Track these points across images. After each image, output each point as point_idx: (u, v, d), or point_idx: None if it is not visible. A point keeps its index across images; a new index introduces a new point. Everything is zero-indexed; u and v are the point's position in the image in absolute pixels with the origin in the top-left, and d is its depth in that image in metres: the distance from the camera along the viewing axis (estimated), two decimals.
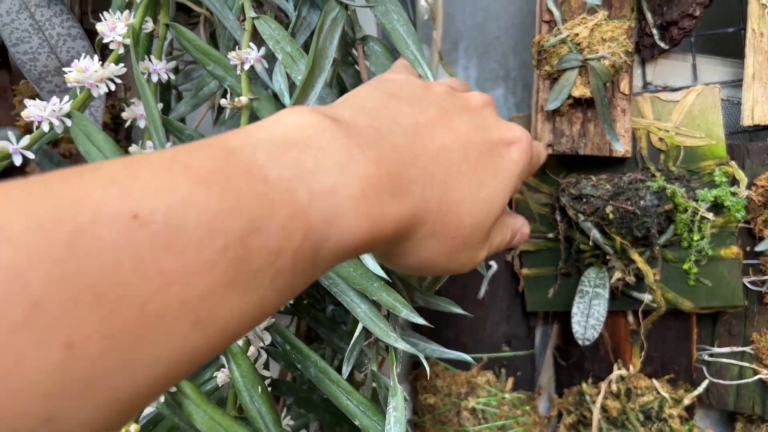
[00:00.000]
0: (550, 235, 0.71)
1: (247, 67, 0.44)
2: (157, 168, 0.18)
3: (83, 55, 0.43)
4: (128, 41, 0.44)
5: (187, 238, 0.17)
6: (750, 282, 0.66)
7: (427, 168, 0.26)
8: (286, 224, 0.20)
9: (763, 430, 0.66)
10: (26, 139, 0.40)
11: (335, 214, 0.22)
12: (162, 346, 0.17)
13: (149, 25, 0.47)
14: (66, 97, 0.41)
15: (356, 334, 0.41)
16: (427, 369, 0.42)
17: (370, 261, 0.39)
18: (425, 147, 0.27)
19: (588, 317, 0.66)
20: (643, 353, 0.70)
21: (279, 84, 0.44)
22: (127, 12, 0.45)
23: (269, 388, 0.39)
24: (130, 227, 0.17)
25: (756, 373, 0.66)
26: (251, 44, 0.45)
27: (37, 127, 0.41)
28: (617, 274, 0.66)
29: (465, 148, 0.29)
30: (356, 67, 0.52)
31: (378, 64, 0.46)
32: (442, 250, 0.28)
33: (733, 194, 0.64)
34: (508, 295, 0.75)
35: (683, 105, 0.67)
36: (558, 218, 0.70)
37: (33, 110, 0.40)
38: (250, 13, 0.46)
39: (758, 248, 0.65)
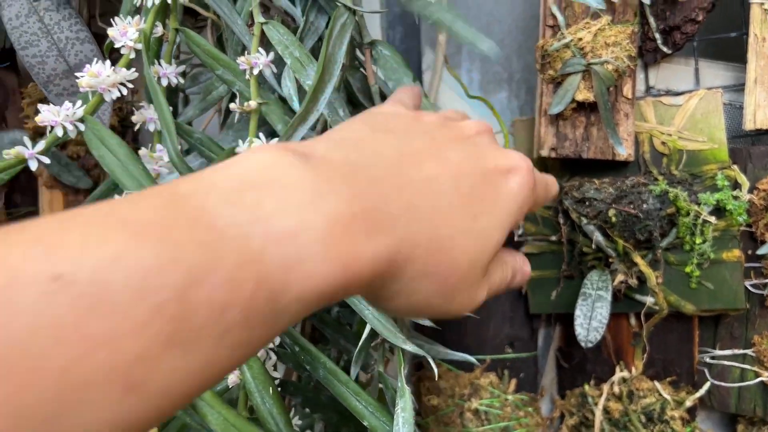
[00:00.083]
0: (553, 238, 0.72)
1: (256, 71, 0.44)
2: (90, 223, 0.17)
3: (95, 60, 0.44)
4: (139, 46, 0.45)
5: (115, 298, 0.16)
6: (752, 285, 0.66)
7: (412, 201, 0.24)
8: (233, 274, 0.18)
9: None
10: (41, 144, 0.41)
11: (296, 259, 0.20)
12: (90, 414, 0.16)
13: (159, 30, 0.48)
14: (79, 102, 0.42)
15: (364, 335, 0.41)
16: (435, 370, 0.43)
17: None
18: (410, 179, 0.25)
19: (591, 319, 0.66)
20: (645, 355, 0.70)
21: (288, 88, 0.44)
22: (137, 17, 0.46)
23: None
24: (50, 289, 0.15)
25: (757, 375, 0.66)
26: (260, 49, 0.45)
27: (50, 131, 0.42)
28: (620, 277, 0.67)
29: (456, 179, 0.26)
30: (362, 71, 0.53)
31: (387, 67, 0.47)
32: (436, 291, 0.25)
33: (735, 198, 0.65)
34: (511, 298, 0.76)
35: (686, 109, 0.67)
36: (561, 221, 0.70)
37: (47, 115, 0.41)
38: (259, 18, 0.46)
39: (760, 251, 0.66)
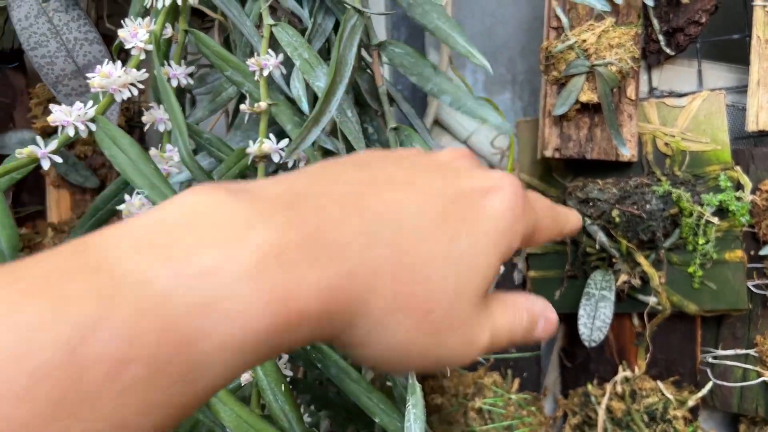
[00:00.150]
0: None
1: (266, 73, 0.45)
2: None
3: (106, 61, 0.44)
4: (150, 47, 0.45)
5: None
6: (754, 285, 0.67)
7: (369, 226, 0.21)
8: (130, 324, 0.16)
9: None
10: (54, 144, 0.41)
11: (214, 298, 0.17)
12: None
13: (168, 31, 0.48)
14: (90, 102, 0.42)
15: None
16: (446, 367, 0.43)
17: None
18: (367, 204, 0.21)
19: (594, 319, 0.67)
20: (648, 355, 0.71)
21: (297, 90, 0.45)
22: (147, 18, 0.46)
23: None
24: None
25: (760, 375, 0.67)
26: (269, 51, 0.46)
27: (62, 131, 0.42)
28: (623, 277, 0.68)
29: (424, 201, 0.23)
30: (368, 71, 0.53)
31: (405, 64, 0.47)
32: (417, 329, 0.22)
33: (738, 199, 0.65)
34: None
35: (689, 110, 0.68)
36: None
37: (59, 115, 0.41)
38: (268, 20, 0.47)
39: (762, 252, 0.66)
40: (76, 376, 0.15)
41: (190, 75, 0.51)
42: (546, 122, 0.67)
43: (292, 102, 0.47)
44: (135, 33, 0.45)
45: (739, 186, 0.66)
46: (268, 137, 0.44)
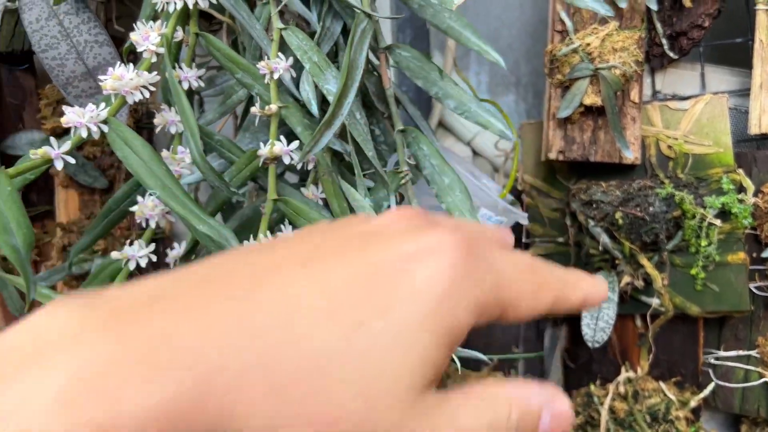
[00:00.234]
0: (561, 240, 0.73)
1: (276, 76, 0.45)
2: None
3: (117, 64, 0.45)
4: (162, 50, 0.46)
5: None
6: (756, 287, 0.68)
7: (243, 322, 0.17)
8: None
9: None
10: (67, 145, 0.42)
11: None
12: None
13: (179, 34, 0.49)
14: (103, 104, 0.43)
15: None
16: (458, 365, 0.43)
17: None
18: (247, 296, 0.17)
19: (597, 320, 0.67)
20: (650, 356, 0.71)
21: (306, 92, 0.45)
22: (159, 22, 0.47)
23: None
24: None
25: (761, 376, 0.67)
26: (279, 54, 0.46)
27: (75, 132, 0.43)
28: (626, 279, 0.68)
29: (329, 283, 0.18)
30: (375, 74, 0.54)
31: (412, 68, 0.48)
32: None
33: (740, 201, 0.66)
34: None
35: (692, 114, 0.68)
36: (568, 223, 0.72)
37: (72, 117, 0.42)
38: (278, 24, 0.47)
39: (765, 254, 0.67)
40: None
41: (199, 77, 0.51)
42: (550, 125, 0.68)
43: (301, 104, 0.48)
44: (147, 36, 0.46)
45: (741, 189, 0.67)
46: (279, 139, 0.45)
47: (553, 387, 0.21)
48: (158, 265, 0.53)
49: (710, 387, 0.69)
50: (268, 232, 0.44)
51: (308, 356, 0.17)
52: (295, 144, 0.45)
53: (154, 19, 0.49)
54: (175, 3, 0.47)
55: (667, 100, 0.70)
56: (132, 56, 0.63)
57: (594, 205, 0.68)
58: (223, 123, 0.62)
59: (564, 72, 0.66)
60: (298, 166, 0.46)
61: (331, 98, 0.44)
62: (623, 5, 0.63)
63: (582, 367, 0.76)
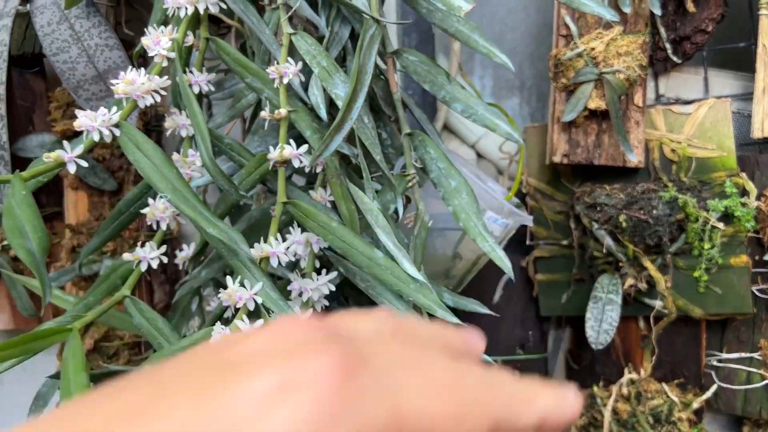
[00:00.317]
0: (565, 242, 0.73)
1: (286, 80, 0.46)
2: None
3: (129, 68, 0.45)
4: (173, 54, 0.46)
5: None
6: (758, 290, 0.68)
7: None
8: None
9: None
10: (80, 148, 0.42)
11: None
12: None
13: (189, 39, 0.49)
14: (114, 108, 0.44)
15: None
16: None
17: (406, 264, 0.41)
18: None
19: (601, 322, 0.68)
20: (653, 358, 0.72)
21: (315, 97, 0.46)
22: (170, 27, 0.48)
23: None
24: None
25: (764, 378, 0.68)
26: (288, 59, 0.47)
27: (87, 136, 0.44)
28: (630, 281, 0.69)
29: None
30: (382, 78, 0.55)
31: (419, 72, 0.49)
32: None
33: (743, 205, 0.66)
34: (523, 300, 0.77)
35: (695, 117, 0.69)
36: (572, 226, 0.72)
37: (84, 120, 0.43)
38: (287, 29, 0.48)
39: (767, 257, 0.67)
40: None
41: (209, 81, 0.52)
42: (555, 128, 0.69)
43: (309, 108, 0.48)
44: (158, 41, 0.47)
45: (744, 192, 0.68)
46: (288, 143, 0.46)
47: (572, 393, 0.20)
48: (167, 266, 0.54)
49: (713, 389, 0.70)
50: (278, 235, 0.45)
51: None
52: (304, 147, 0.46)
53: (165, 23, 0.50)
54: (186, 8, 0.47)
55: (671, 104, 0.71)
56: (141, 59, 0.64)
57: (598, 208, 0.69)
58: (231, 126, 0.63)
59: (569, 76, 0.67)
60: (307, 170, 0.47)
61: (339, 102, 0.45)
62: (627, 10, 0.64)
63: (585, 369, 0.77)
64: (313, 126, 0.46)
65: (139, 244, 0.49)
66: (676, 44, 0.70)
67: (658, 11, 0.64)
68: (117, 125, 0.44)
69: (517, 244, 0.74)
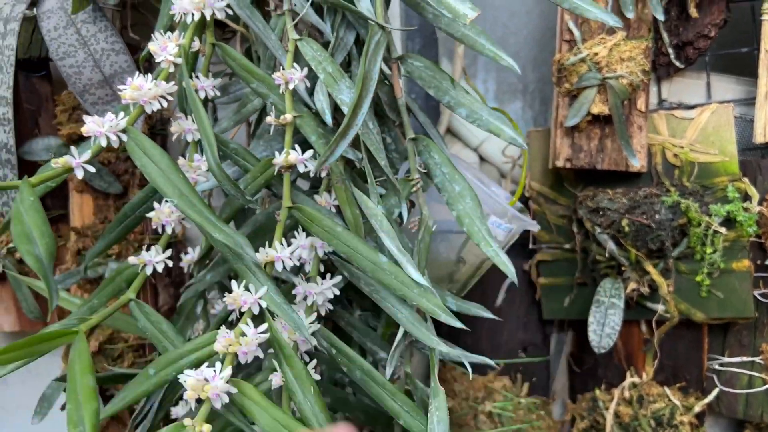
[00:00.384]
0: (567, 246, 0.74)
1: (291, 86, 0.46)
2: None
3: (136, 74, 0.46)
4: (179, 60, 0.47)
5: None
6: (760, 294, 0.68)
7: None
8: None
9: None
10: (88, 154, 0.43)
11: None
12: None
13: (196, 44, 0.50)
14: (121, 113, 0.44)
15: (398, 338, 0.43)
16: (469, 370, 0.44)
17: (410, 268, 0.41)
18: None
19: (604, 326, 0.68)
20: (655, 361, 0.72)
21: (321, 102, 0.46)
22: (176, 32, 0.48)
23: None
24: None
25: (765, 382, 0.68)
26: (294, 64, 0.47)
27: (95, 141, 0.44)
28: (632, 285, 0.69)
29: None
30: (386, 83, 0.55)
31: (424, 77, 0.49)
32: None
33: (746, 209, 0.67)
34: (525, 303, 0.78)
35: (698, 122, 0.69)
36: (575, 230, 0.72)
37: (92, 126, 0.43)
38: (293, 35, 0.48)
39: None
40: None
41: (214, 86, 0.52)
42: (558, 133, 0.69)
43: (314, 113, 0.49)
44: (164, 46, 0.47)
45: (746, 197, 0.68)
46: (293, 148, 0.46)
47: None
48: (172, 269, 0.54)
49: (714, 392, 0.70)
50: (283, 239, 0.45)
51: None
52: (309, 152, 0.46)
53: (171, 29, 0.50)
54: (193, 14, 0.48)
55: (674, 109, 0.71)
56: (147, 64, 0.64)
57: (600, 213, 0.69)
58: (236, 131, 0.63)
59: (572, 81, 0.67)
60: (312, 174, 0.47)
61: (344, 108, 0.45)
62: (630, 15, 0.64)
63: (588, 372, 0.77)
64: (318, 131, 0.46)
65: (144, 247, 0.50)
66: (678, 49, 0.70)
67: (661, 17, 0.64)
68: (124, 130, 0.44)
69: (520, 247, 0.74)
